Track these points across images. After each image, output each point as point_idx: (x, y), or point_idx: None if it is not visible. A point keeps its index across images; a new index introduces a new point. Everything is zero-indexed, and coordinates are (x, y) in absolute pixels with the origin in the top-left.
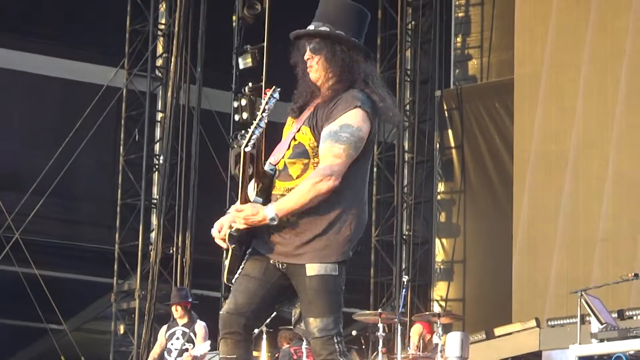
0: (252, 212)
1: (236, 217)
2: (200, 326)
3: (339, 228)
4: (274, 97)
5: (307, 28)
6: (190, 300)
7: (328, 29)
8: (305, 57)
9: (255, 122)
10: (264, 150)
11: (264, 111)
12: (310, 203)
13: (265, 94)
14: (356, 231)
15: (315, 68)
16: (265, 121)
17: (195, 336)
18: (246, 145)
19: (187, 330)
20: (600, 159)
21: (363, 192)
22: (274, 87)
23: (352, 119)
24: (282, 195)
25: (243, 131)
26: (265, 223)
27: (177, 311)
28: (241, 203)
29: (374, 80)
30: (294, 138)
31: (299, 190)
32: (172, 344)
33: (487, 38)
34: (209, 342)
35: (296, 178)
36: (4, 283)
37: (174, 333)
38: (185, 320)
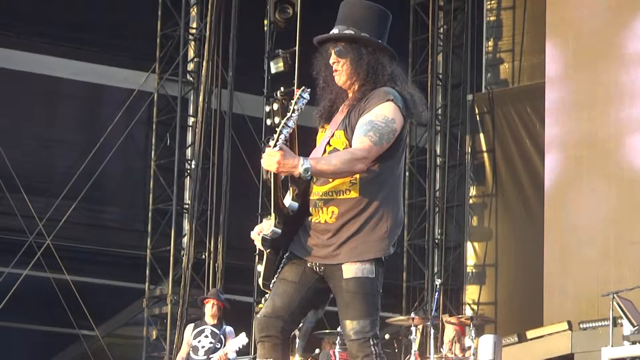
0: (288, 158)
1: (268, 160)
2: (230, 331)
3: (375, 226)
4: (304, 97)
5: (331, 32)
6: (225, 304)
7: (353, 32)
8: (331, 62)
9: (282, 122)
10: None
11: (292, 111)
12: (339, 175)
13: (295, 94)
14: (393, 228)
15: (341, 72)
16: (295, 121)
17: (225, 339)
18: (274, 146)
19: (217, 330)
20: (631, 163)
21: (398, 190)
22: (303, 87)
23: (386, 110)
24: (320, 199)
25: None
26: (295, 172)
27: (212, 308)
28: (274, 208)
29: (401, 79)
30: (328, 143)
31: (338, 158)
32: (199, 342)
33: (519, 42)
34: (243, 333)
35: (332, 181)
36: (36, 289)
37: (202, 331)
38: (215, 321)
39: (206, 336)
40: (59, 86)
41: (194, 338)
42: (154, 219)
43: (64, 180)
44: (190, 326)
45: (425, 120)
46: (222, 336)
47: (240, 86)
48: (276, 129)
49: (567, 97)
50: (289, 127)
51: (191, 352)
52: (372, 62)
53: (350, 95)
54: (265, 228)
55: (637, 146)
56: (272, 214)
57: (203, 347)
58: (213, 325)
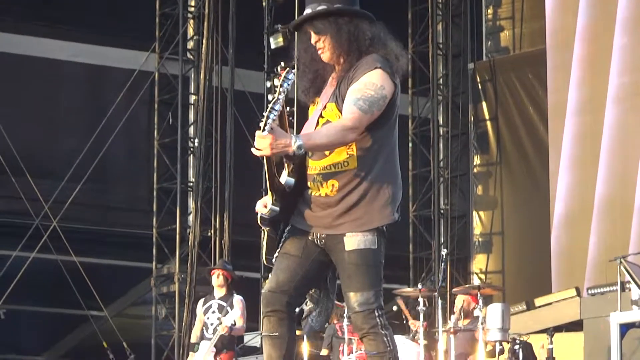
0: (280, 138)
1: (261, 144)
2: (237, 299)
3: (376, 194)
4: (288, 79)
5: (304, 13)
6: (232, 274)
7: (326, 7)
8: (313, 42)
9: (269, 106)
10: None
11: (279, 94)
12: (332, 147)
13: (280, 75)
14: (394, 195)
15: (324, 48)
16: (281, 103)
17: (232, 309)
18: (262, 130)
19: (223, 303)
20: (635, 126)
21: (395, 157)
22: (287, 68)
23: (374, 77)
24: (318, 174)
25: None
26: (289, 151)
27: (218, 278)
28: (270, 185)
29: (382, 39)
30: (321, 116)
31: (329, 130)
32: (208, 318)
33: (519, 9)
34: (238, 311)
35: (329, 155)
36: (44, 272)
37: (209, 307)
38: (223, 292)
39: (213, 312)
40: (60, 69)
41: (204, 314)
42: (159, 198)
43: (68, 162)
44: (201, 301)
45: (406, 68)
46: (228, 308)
47: (240, 63)
48: (263, 113)
49: (569, 62)
50: (275, 110)
51: (204, 330)
52: (352, 30)
53: (337, 67)
54: (267, 203)
55: None
56: (269, 192)
57: (212, 324)
58: (220, 298)
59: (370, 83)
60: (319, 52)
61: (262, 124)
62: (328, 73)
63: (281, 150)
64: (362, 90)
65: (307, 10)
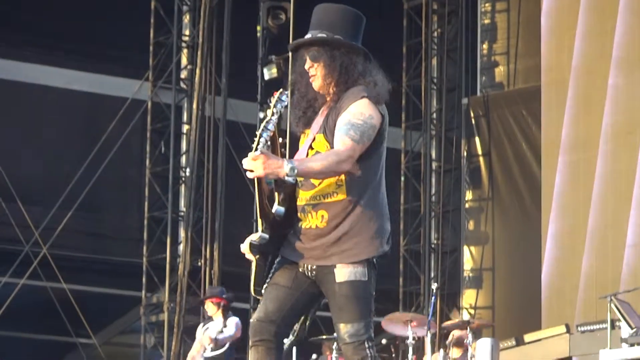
0: (272, 159)
1: (253, 164)
2: (232, 319)
3: (365, 226)
4: (282, 100)
5: (305, 37)
6: (223, 296)
7: (325, 35)
8: (307, 67)
9: (262, 125)
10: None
11: (272, 114)
12: (325, 176)
13: (272, 96)
14: (382, 226)
15: (317, 75)
16: (274, 124)
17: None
18: (255, 149)
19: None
20: (628, 165)
21: (382, 187)
22: (281, 89)
23: (362, 107)
24: (308, 204)
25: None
26: (281, 173)
27: (208, 308)
28: (260, 213)
29: (370, 73)
30: (310, 147)
31: (322, 159)
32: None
33: (514, 45)
34: (221, 319)
35: (319, 185)
36: (33, 298)
37: (207, 329)
38: (219, 317)
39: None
40: (52, 96)
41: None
42: (149, 227)
43: (59, 189)
44: (200, 325)
45: (388, 96)
46: (224, 328)
47: (233, 93)
48: (256, 133)
49: (563, 100)
50: (268, 130)
51: (202, 351)
52: (345, 63)
53: (327, 98)
54: (257, 232)
55: (633, 148)
56: (259, 220)
57: (210, 344)
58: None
59: (359, 113)
60: (311, 79)
61: (254, 144)
62: (320, 104)
63: (273, 170)
64: (351, 120)
65: (308, 35)
